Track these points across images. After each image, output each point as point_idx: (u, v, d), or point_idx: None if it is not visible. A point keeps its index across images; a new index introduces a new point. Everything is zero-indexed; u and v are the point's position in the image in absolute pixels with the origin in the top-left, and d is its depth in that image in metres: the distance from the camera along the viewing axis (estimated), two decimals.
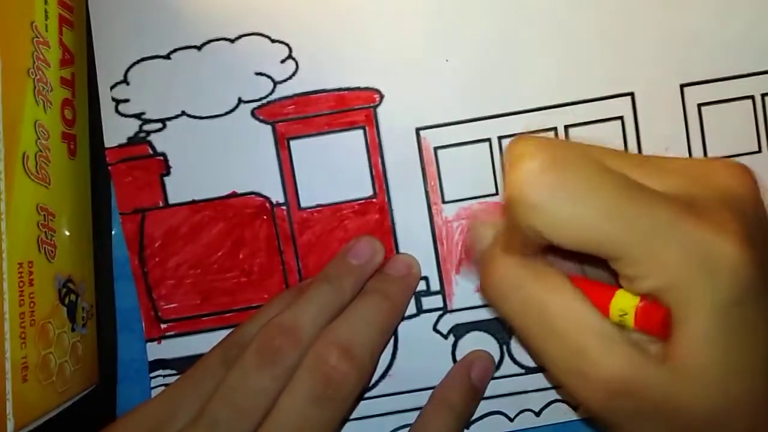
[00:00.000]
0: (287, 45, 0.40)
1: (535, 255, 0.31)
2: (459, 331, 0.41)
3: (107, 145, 0.41)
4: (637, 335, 0.29)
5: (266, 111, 0.41)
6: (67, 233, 0.39)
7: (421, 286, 0.41)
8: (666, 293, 0.27)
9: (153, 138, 0.41)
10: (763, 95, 0.41)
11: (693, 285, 0.27)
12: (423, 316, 0.41)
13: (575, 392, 0.30)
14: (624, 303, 0.29)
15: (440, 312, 0.41)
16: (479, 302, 0.41)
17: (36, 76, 0.37)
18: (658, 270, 0.27)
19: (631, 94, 0.41)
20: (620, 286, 0.29)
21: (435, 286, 0.41)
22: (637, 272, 0.27)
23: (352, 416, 0.41)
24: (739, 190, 0.29)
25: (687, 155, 0.41)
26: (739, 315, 0.27)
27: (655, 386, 0.28)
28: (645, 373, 0.28)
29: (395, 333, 0.41)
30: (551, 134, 0.41)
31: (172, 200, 0.41)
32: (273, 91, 0.41)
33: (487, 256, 0.33)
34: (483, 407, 0.41)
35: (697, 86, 0.41)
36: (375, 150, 0.41)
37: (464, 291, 0.41)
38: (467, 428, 0.41)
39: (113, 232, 0.42)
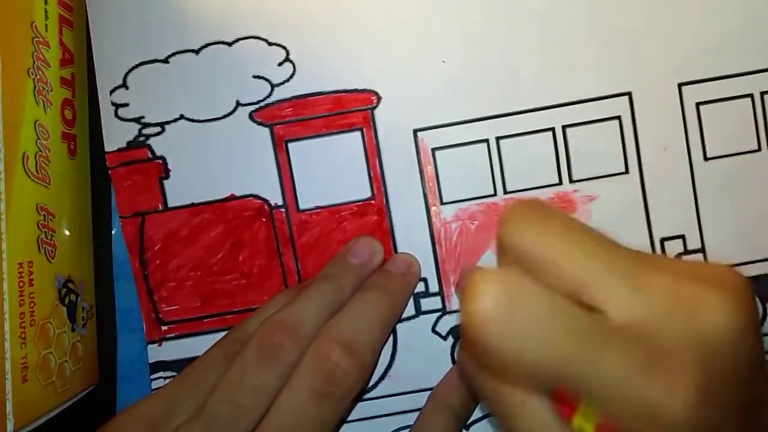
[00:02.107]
0: (284, 48, 0.41)
1: None
2: (458, 332, 0.41)
3: (107, 149, 0.41)
4: None
5: (264, 114, 0.41)
6: (67, 233, 0.39)
7: (420, 287, 0.41)
8: (618, 415, 0.26)
9: (152, 142, 0.41)
10: (762, 93, 0.41)
11: None
12: (422, 317, 0.41)
13: None
14: (584, 423, 0.27)
15: (439, 313, 0.41)
16: None
17: (36, 76, 0.37)
18: (608, 417, 0.26)
19: (629, 94, 0.41)
20: None
21: (434, 287, 0.41)
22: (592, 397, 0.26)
23: (352, 418, 0.41)
24: (720, 329, 0.26)
25: (686, 154, 0.41)
26: None
27: None
28: None
29: (394, 334, 0.41)
30: (549, 134, 0.41)
31: (171, 203, 0.41)
32: (271, 93, 0.41)
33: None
34: (483, 408, 0.41)
35: (695, 85, 0.41)
36: (373, 152, 0.41)
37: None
38: (467, 429, 0.41)
39: (113, 232, 0.42)
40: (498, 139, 0.41)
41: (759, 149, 0.41)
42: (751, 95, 0.41)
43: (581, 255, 0.27)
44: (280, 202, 0.41)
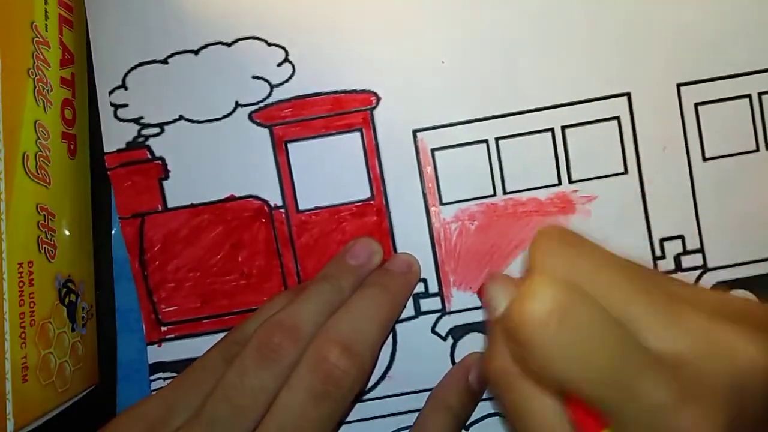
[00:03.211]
0: (284, 48, 0.41)
1: None
2: (457, 332, 0.41)
3: (106, 150, 0.41)
4: None
5: (263, 114, 0.41)
6: (67, 233, 0.39)
7: (420, 288, 0.41)
8: None
9: (151, 142, 0.41)
10: (760, 94, 0.41)
11: None
12: (421, 318, 0.41)
13: None
14: None
15: (439, 314, 0.41)
16: (478, 304, 0.41)
17: (36, 76, 0.37)
18: None
19: (628, 95, 0.41)
20: None
21: (433, 288, 0.41)
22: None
23: (352, 418, 0.41)
24: (754, 370, 0.26)
25: (684, 154, 0.41)
26: None
27: None
28: None
29: (394, 335, 0.41)
30: (548, 135, 0.41)
31: (171, 204, 0.41)
32: (270, 94, 0.41)
33: (492, 332, 0.32)
34: (483, 409, 0.41)
35: (693, 85, 0.41)
36: (372, 152, 0.41)
37: (462, 292, 0.41)
38: (466, 429, 0.41)
39: (113, 232, 0.42)
40: (497, 139, 0.41)
41: (757, 149, 0.41)
42: (749, 96, 0.41)
43: (621, 282, 0.27)
44: (279, 203, 0.41)
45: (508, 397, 0.30)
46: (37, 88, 0.37)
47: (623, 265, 0.28)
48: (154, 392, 0.38)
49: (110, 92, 0.41)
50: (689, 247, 0.41)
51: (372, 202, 0.41)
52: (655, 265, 0.41)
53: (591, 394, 0.26)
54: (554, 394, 0.28)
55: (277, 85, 0.41)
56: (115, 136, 0.41)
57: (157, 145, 0.41)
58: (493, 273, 0.41)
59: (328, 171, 0.41)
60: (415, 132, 0.41)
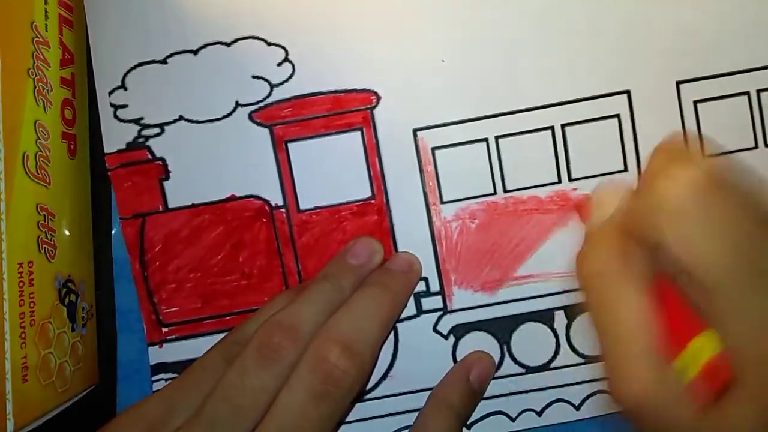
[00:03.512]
0: (283, 48, 0.41)
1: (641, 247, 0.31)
2: (459, 331, 0.41)
3: (106, 150, 0.41)
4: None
5: (263, 114, 0.41)
6: (67, 233, 0.39)
7: (421, 286, 0.41)
8: (737, 356, 0.27)
9: (152, 143, 0.41)
10: (758, 91, 0.41)
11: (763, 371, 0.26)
12: (423, 316, 0.41)
13: (608, 389, 0.29)
14: (702, 349, 0.28)
15: (440, 312, 0.41)
16: (479, 302, 0.41)
17: (36, 76, 0.37)
18: (743, 337, 0.26)
19: (628, 92, 0.41)
20: None
21: (434, 286, 0.41)
22: (725, 326, 0.27)
23: (353, 418, 0.41)
24: None
25: None
26: None
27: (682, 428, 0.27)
28: (676, 413, 0.27)
29: (395, 334, 0.41)
30: (548, 133, 0.41)
31: (171, 204, 0.41)
32: (270, 94, 0.41)
33: (595, 231, 0.33)
34: (484, 407, 0.41)
35: (692, 83, 0.41)
36: (373, 151, 0.41)
37: (464, 291, 0.41)
38: (468, 429, 0.41)
39: (113, 232, 0.42)
40: (497, 138, 0.41)
41: (756, 147, 0.41)
42: (747, 93, 0.41)
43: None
44: (280, 203, 0.41)
45: (598, 295, 0.30)
46: (37, 88, 0.37)
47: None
48: (155, 392, 0.38)
49: (110, 93, 0.41)
50: None
51: (372, 201, 0.41)
52: None
53: (717, 280, 0.26)
54: (652, 295, 0.29)
55: (277, 85, 0.41)
56: (116, 137, 0.41)
57: (158, 146, 0.41)
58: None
59: (328, 170, 0.41)
60: (415, 131, 0.41)
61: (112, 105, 0.41)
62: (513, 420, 0.41)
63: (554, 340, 0.41)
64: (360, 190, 0.41)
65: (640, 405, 0.28)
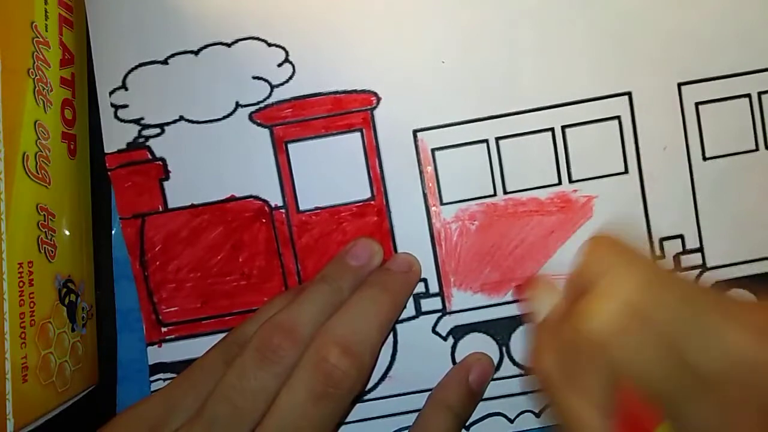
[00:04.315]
0: (284, 49, 0.41)
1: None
2: (458, 332, 0.41)
3: (107, 150, 0.41)
4: None
5: (264, 115, 0.41)
6: (67, 233, 0.39)
7: (420, 288, 0.41)
8: None
9: (152, 143, 0.41)
10: (759, 93, 0.41)
11: None
12: (422, 318, 0.41)
13: None
14: None
15: (439, 314, 0.41)
16: (478, 304, 0.41)
17: (36, 76, 0.37)
18: None
19: (629, 94, 0.41)
20: None
21: (434, 288, 0.41)
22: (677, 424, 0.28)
23: (353, 418, 0.41)
24: None
25: (685, 154, 0.41)
26: None
27: None
28: None
29: (395, 335, 0.41)
30: (548, 134, 0.41)
31: (171, 204, 0.41)
32: (270, 94, 0.41)
33: (537, 332, 0.33)
34: (483, 408, 0.41)
35: (694, 85, 0.41)
36: (372, 152, 0.41)
37: (463, 292, 0.41)
38: (467, 429, 0.41)
39: (113, 232, 0.42)
40: (498, 139, 0.41)
41: (756, 149, 0.41)
42: (748, 95, 0.41)
43: (670, 298, 0.28)
44: (280, 203, 0.41)
45: (554, 397, 0.31)
46: (37, 88, 0.37)
47: (673, 279, 0.29)
48: (154, 392, 0.38)
49: (111, 93, 0.41)
50: (688, 247, 0.41)
51: (372, 202, 0.41)
52: None
53: (649, 392, 0.27)
54: (600, 394, 0.29)
55: (278, 86, 0.41)
56: (116, 137, 0.41)
57: (158, 146, 0.41)
58: (535, 276, 0.41)
59: (328, 171, 0.41)
60: (415, 132, 0.41)
61: (112, 105, 0.41)
62: (512, 421, 0.41)
63: None
64: (360, 190, 0.41)
65: None
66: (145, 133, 0.41)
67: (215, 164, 0.41)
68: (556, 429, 0.31)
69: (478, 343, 0.41)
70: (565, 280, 0.32)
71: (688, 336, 0.27)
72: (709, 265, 0.41)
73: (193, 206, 0.41)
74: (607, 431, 0.28)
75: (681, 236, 0.41)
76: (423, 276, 0.41)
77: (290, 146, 0.41)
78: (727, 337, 0.27)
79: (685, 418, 0.27)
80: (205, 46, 0.41)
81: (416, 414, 0.40)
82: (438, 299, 0.41)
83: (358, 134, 0.41)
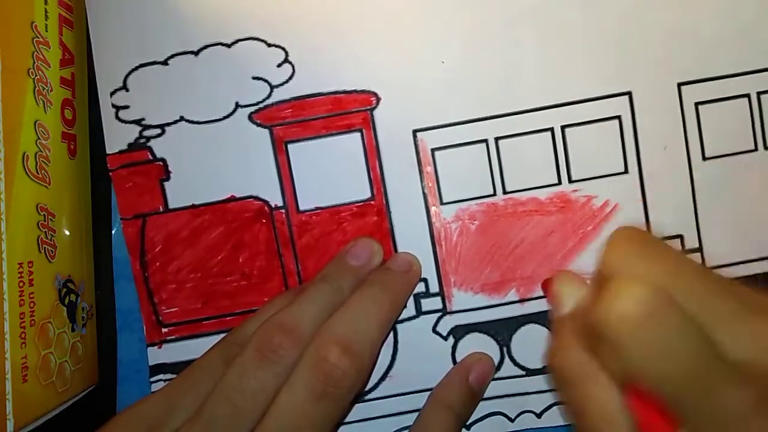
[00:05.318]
0: (283, 49, 0.41)
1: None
2: (458, 332, 0.41)
3: (108, 151, 0.41)
4: None
5: (263, 115, 0.41)
6: (67, 233, 0.39)
7: (420, 287, 0.41)
8: None
9: (153, 144, 0.41)
10: (759, 93, 0.41)
11: None
12: (422, 317, 0.41)
13: None
14: None
15: (440, 314, 0.41)
16: (479, 304, 0.41)
17: (36, 76, 0.37)
18: None
19: (629, 94, 0.41)
20: None
21: (434, 287, 0.41)
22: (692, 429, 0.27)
23: (353, 418, 0.41)
24: None
25: (684, 154, 0.41)
26: None
27: None
28: None
29: (395, 335, 0.41)
30: (548, 134, 0.41)
31: (172, 205, 0.41)
32: (270, 95, 0.41)
33: (560, 327, 0.33)
34: (484, 408, 0.41)
35: (694, 85, 0.41)
36: (372, 152, 0.41)
37: (463, 292, 0.41)
38: (467, 429, 0.41)
39: (113, 232, 0.42)
40: (497, 139, 0.41)
41: (756, 149, 0.41)
42: (748, 95, 0.41)
43: (699, 288, 0.28)
44: (280, 203, 0.41)
45: (572, 391, 0.30)
46: (37, 88, 0.37)
47: (700, 271, 0.29)
48: (154, 392, 0.38)
49: (112, 94, 0.41)
50: (688, 246, 0.41)
51: (372, 202, 0.41)
52: None
53: (672, 392, 0.26)
54: (622, 391, 0.28)
55: (277, 86, 0.41)
56: (117, 138, 0.41)
57: (158, 146, 0.41)
58: (561, 270, 0.41)
59: (328, 171, 0.41)
60: (415, 132, 0.41)
61: (113, 106, 0.41)
62: (512, 421, 0.41)
63: None
64: (360, 190, 0.41)
65: None
66: (146, 133, 0.41)
67: (215, 164, 0.41)
68: (571, 428, 0.30)
69: (478, 343, 0.41)
70: (592, 275, 0.32)
71: (718, 324, 0.27)
72: (708, 264, 0.41)
73: (193, 206, 0.41)
74: (630, 425, 0.28)
75: (681, 236, 0.41)
76: (423, 276, 0.41)
77: (290, 146, 0.41)
78: (758, 326, 0.27)
79: (705, 419, 0.26)
80: (205, 47, 0.41)
81: (416, 414, 0.40)
82: (438, 299, 0.41)
83: (357, 134, 0.41)
